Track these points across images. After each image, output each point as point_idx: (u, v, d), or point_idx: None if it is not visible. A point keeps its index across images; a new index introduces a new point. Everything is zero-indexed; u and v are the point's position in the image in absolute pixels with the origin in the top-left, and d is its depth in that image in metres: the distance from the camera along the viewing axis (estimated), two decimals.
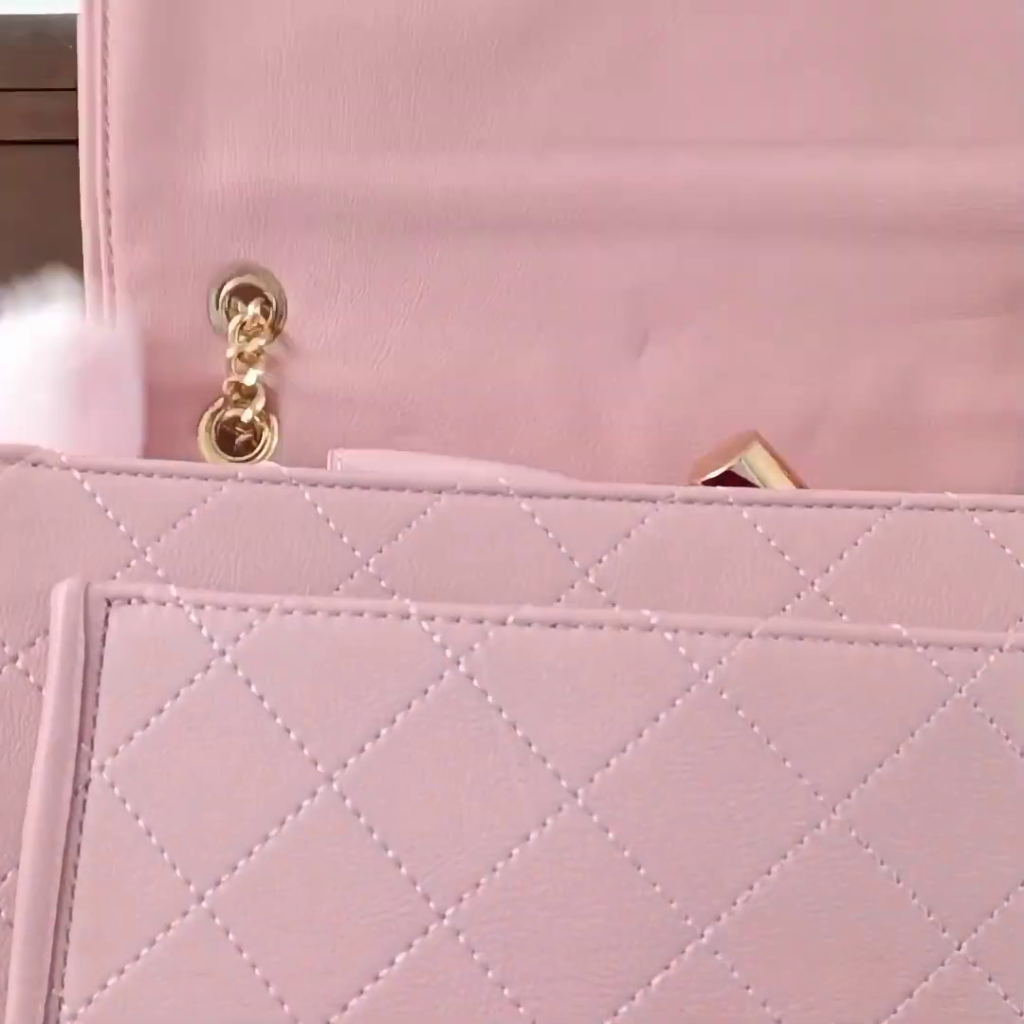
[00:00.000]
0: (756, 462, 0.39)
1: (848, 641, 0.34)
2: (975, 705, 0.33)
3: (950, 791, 0.33)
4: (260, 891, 0.33)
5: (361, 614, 0.35)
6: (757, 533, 0.37)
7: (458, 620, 0.34)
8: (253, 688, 0.34)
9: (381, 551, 0.37)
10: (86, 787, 0.35)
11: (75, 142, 1.07)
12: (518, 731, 0.33)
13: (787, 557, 0.36)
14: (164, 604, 0.35)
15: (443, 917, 0.33)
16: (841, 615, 0.36)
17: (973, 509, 0.36)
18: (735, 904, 0.32)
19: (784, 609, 0.36)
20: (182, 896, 0.34)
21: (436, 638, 0.34)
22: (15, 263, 1.08)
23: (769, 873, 0.32)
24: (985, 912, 0.33)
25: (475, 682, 0.34)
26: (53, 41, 1.08)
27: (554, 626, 0.34)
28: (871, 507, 0.37)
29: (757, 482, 0.39)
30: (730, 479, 0.39)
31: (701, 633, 0.34)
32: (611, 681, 0.33)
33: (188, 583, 0.37)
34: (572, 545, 0.37)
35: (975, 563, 0.36)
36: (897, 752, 0.33)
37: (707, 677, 0.33)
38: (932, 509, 0.36)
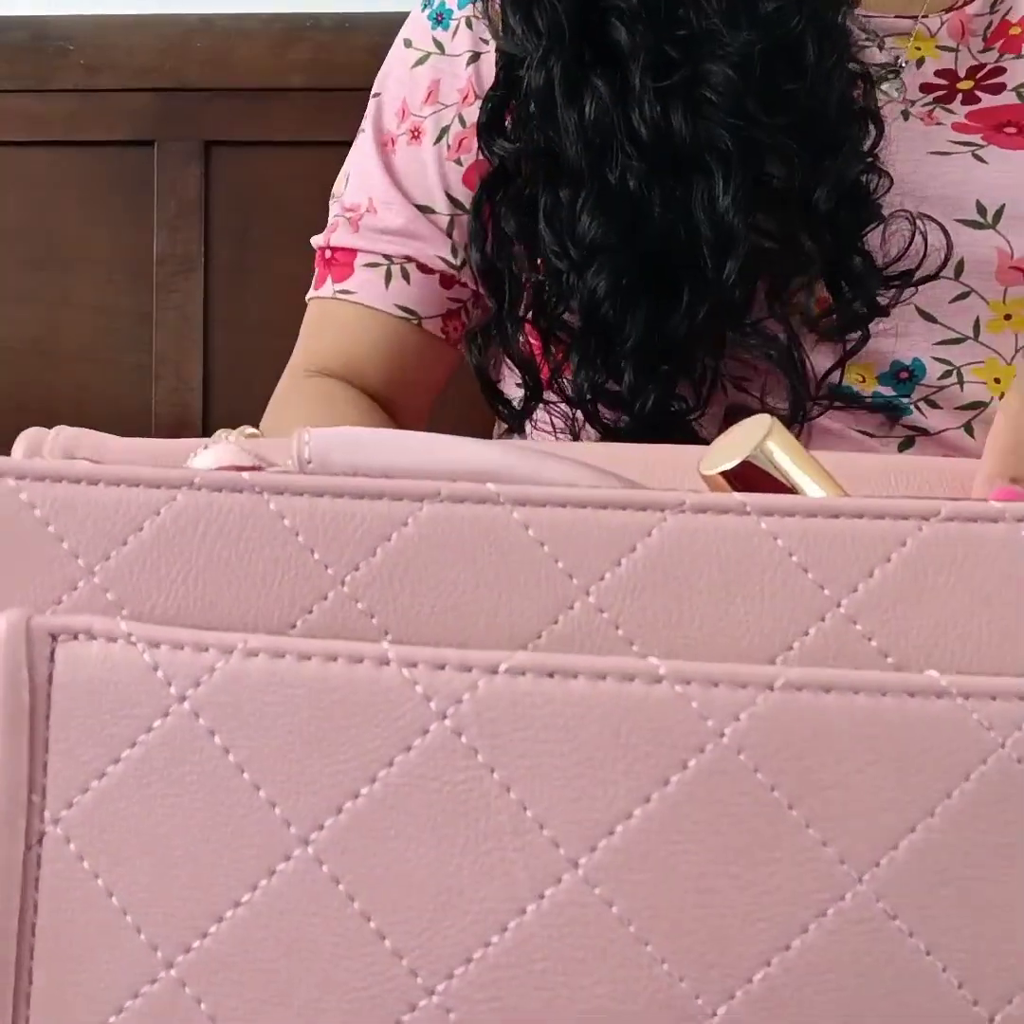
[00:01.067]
0: (775, 450, 0.35)
1: (880, 693, 0.30)
2: (1019, 761, 0.30)
3: (988, 857, 0.30)
4: (234, 961, 0.31)
5: (335, 659, 0.31)
6: (777, 547, 0.33)
7: (443, 667, 0.31)
8: (217, 739, 0.31)
9: (357, 569, 0.33)
10: (40, 841, 0.32)
11: (75, 143, 1.04)
12: (512, 794, 0.30)
13: (810, 575, 0.32)
14: (115, 641, 0.32)
15: (432, 994, 0.30)
16: (870, 640, 0.32)
17: (1021, 520, 0.32)
18: (750, 982, 0.30)
19: (807, 634, 0.32)
20: (150, 963, 0.31)
21: (419, 688, 0.31)
22: (14, 264, 1.03)
23: (788, 949, 0.30)
24: (1019, 984, 0.30)
25: (463, 739, 0.30)
26: (52, 42, 1.02)
27: (551, 675, 0.30)
28: (906, 518, 0.33)
29: (777, 474, 0.35)
30: (747, 470, 0.35)
31: (716, 685, 0.30)
32: (615, 739, 0.30)
33: (142, 607, 0.33)
34: (570, 561, 0.33)
35: (1021, 582, 0.32)
36: (932, 816, 0.30)
37: (723, 736, 0.30)
38: (974, 521, 0.32)
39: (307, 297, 0.79)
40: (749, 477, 0.35)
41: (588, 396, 0.65)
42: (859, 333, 0.65)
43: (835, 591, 0.32)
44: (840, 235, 0.63)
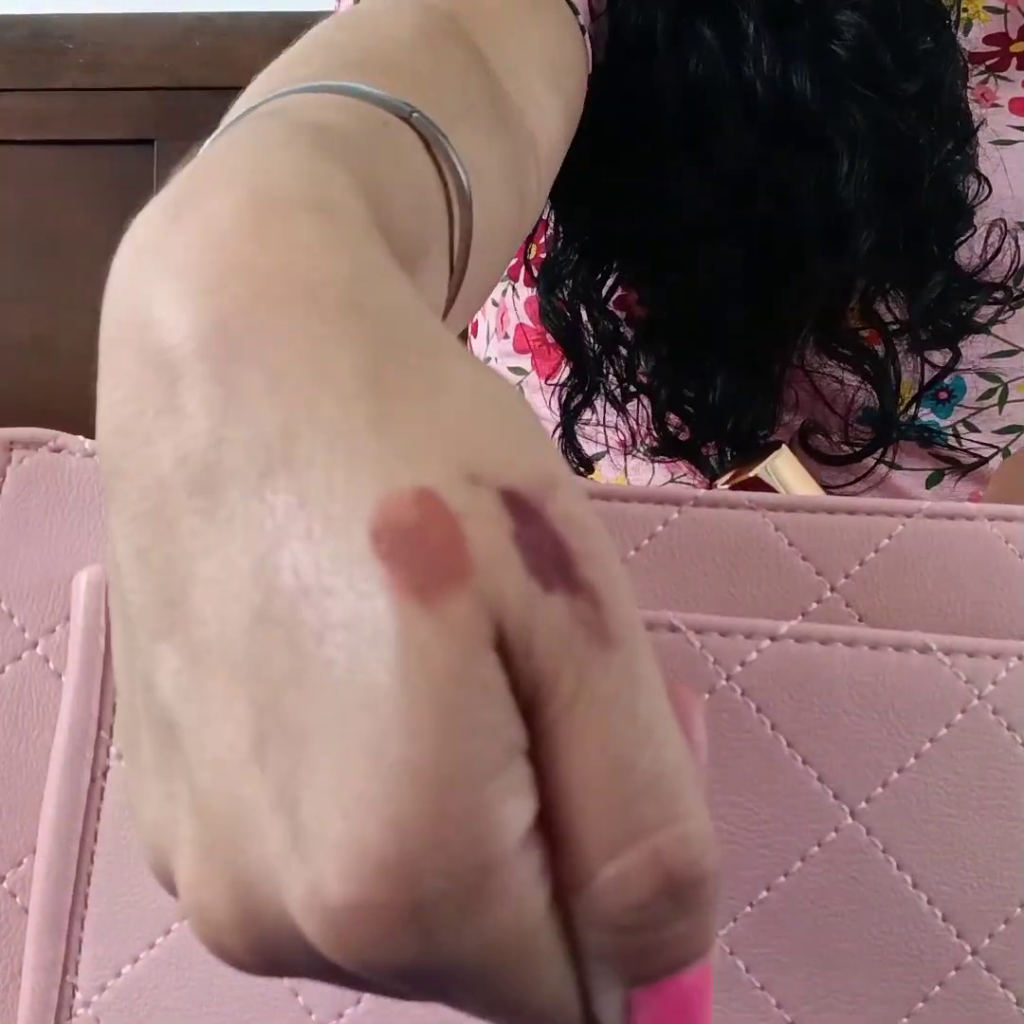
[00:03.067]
0: (782, 469, 0.40)
1: (871, 646, 0.34)
2: (993, 712, 0.34)
3: (966, 797, 0.33)
4: None
5: None
6: (778, 537, 0.37)
7: None
8: None
9: None
10: (104, 774, 0.35)
11: (75, 142, 1.06)
12: None
13: (807, 561, 0.37)
14: None
15: None
16: (859, 620, 0.36)
17: (992, 519, 0.37)
18: (750, 905, 0.32)
19: (803, 613, 0.36)
20: None
21: None
22: (15, 263, 1.07)
23: (785, 875, 0.33)
24: (999, 918, 0.33)
25: None
26: (52, 41, 1.07)
27: None
28: (892, 515, 0.37)
29: (781, 488, 0.39)
30: (756, 484, 0.39)
31: (724, 635, 0.34)
32: None
33: None
34: None
35: (992, 572, 0.36)
36: (915, 757, 0.33)
37: (729, 679, 0.33)
38: (952, 518, 0.37)
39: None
40: (759, 489, 0.40)
41: (665, 403, 0.57)
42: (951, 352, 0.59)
43: (829, 576, 0.36)
44: (936, 244, 0.57)
